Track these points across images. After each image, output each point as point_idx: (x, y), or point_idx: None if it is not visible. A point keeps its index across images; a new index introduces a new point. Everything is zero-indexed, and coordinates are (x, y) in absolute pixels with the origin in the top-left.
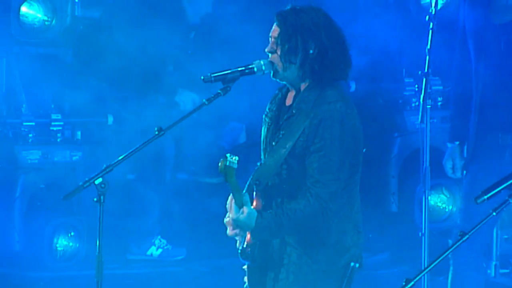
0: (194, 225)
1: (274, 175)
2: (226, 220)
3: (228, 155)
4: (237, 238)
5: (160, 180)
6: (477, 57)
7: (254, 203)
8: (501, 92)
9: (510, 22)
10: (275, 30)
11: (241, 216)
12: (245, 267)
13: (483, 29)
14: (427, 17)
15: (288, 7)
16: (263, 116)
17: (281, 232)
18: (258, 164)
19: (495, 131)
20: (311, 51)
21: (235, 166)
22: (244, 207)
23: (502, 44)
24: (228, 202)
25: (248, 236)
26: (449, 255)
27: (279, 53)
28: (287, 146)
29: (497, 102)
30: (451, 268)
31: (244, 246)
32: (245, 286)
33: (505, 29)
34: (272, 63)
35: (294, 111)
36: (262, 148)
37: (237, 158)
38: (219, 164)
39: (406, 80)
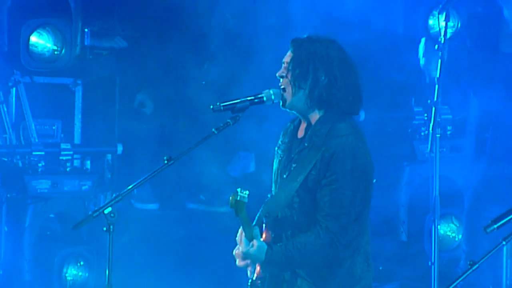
0: (206, 255)
1: (285, 208)
2: (235, 252)
3: (238, 189)
4: (247, 268)
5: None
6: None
7: (264, 236)
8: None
9: None
10: (288, 55)
11: (251, 250)
12: None
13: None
14: (436, 46)
15: (305, 36)
16: (276, 148)
17: (291, 265)
18: (269, 196)
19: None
20: (321, 79)
21: (246, 200)
22: (254, 241)
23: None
24: (238, 235)
25: (258, 268)
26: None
27: (289, 77)
28: (298, 179)
29: (505, 131)
30: None
31: (254, 278)
32: None
33: None
34: (281, 93)
35: (306, 144)
36: (273, 180)
37: (247, 192)
38: (230, 198)
39: (416, 109)
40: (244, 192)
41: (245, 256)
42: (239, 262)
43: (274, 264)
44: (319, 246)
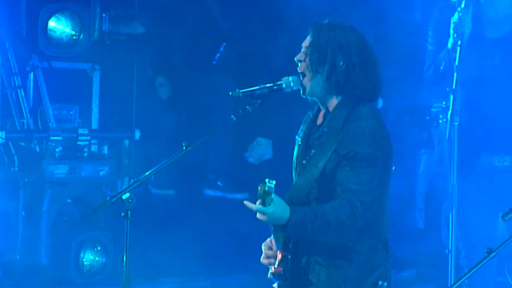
0: (222, 241)
1: (305, 196)
2: (262, 260)
3: (267, 180)
4: (269, 266)
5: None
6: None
7: None
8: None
9: (504, 36)
10: (307, 40)
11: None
12: (275, 285)
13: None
14: (455, 34)
15: (325, 21)
16: (296, 136)
17: (316, 224)
18: (293, 183)
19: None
20: (339, 64)
21: (273, 190)
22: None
23: (497, 60)
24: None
25: (280, 255)
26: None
27: (307, 61)
28: (319, 165)
29: (489, 121)
30: None
31: (276, 265)
32: None
33: (499, 44)
34: (300, 80)
35: (325, 130)
36: (293, 167)
37: (274, 182)
38: (258, 188)
39: (434, 98)
40: (272, 182)
41: (269, 216)
42: (263, 259)
43: (297, 224)
44: (338, 210)
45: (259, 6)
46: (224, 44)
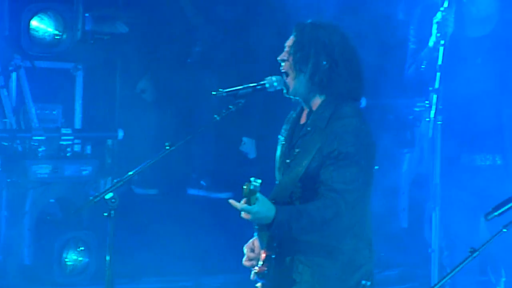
0: (206, 240)
1: (288, 195)
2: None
3: (252, 179)
4: (252, 268)
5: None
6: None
7: None
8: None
9: (486, 36)
10: (291, 39)
11: (262, 208)
12: (258, 285)
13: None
14: (438, 34)
15: (308, 21)
16: (279, 136)
17: (301, 224)
18: (276, 183)
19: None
20: (322, 64)
21: (258, 189)
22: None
23: (479, 59)
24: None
25: (263, 255)
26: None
27: (290, 61)
28: (303, 164)
29: (471, 120)
30: None
31: (260, 265)
32: None
33: (482, 42)
34: (283, 79)
35: (309, 129)
36: (276, 167)
37: (260, 181)
38: (244, 187)
39: (417, 96)
40: (257, 181)
41: (254, 215)
42: (245, 261)
43: (282, 224)
44: (323, 209)
45: (243, 5)
46: (199, 42)
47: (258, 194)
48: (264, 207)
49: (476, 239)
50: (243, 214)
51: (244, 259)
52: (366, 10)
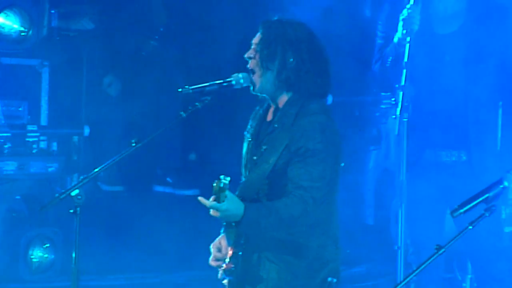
0: (172, 237)
1: (255, 192)
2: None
3: (221, 176)
4: (219, 269)
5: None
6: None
7: None
8: (442, 107)
9: (453, 33)
10: (257, 37)
11: (231, 207)
12: (225, 281)
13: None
14: (404, 30)
15: (275, 18)
16: (245, 132)
17: (269, 221)
18: (243, 180)
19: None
20: (289, 61)
21: (228, 186)
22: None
23: (447, 56)
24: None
25: (231, 251)
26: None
27: (257, 58)
28: (270, 161)
29: (437, 117)
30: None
31: (227, 262)
32: None
33: (450, 39)
34: (250, 76)
35: (276, 126)
36: (242, 164)
37: (229, 178)
38: (214, 185)
39: (382, 93)
40: (226, 179)
41: (223, 213)
42: (212, 257)
43: (251, 221)
44: (291, 207)
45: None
46: (156, 37)
47: (227, 192)
48: (233, 205)
49: (442, 236)
50: (212, 212)
51: (210, 258)
52: (334, 7)
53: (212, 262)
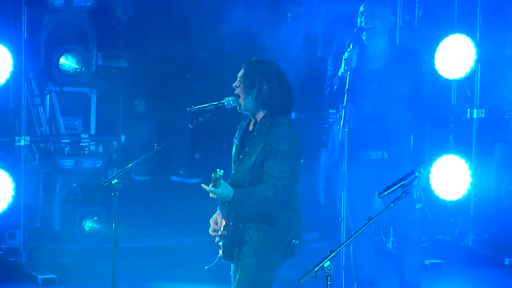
0: (183, 212)
1: (241, 180)
2: (210, 231)
3: (217, 169)
4: (215, 235)
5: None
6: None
7: None
8: (372, 119)
9: (381, 68)
10: (241, 72)
11: (224, 190)
12: (220, 243)
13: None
14: (346, 67)
15: (253, 58)
16: (233, 139)
17: (251, 201)
18: (232, 172)
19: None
20: (264, 88)
21: (222, 177)
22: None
23: (376, 84)
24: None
25: (224, 222)
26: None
27: (241, 87)
28: (251, 158)
29: (368, 127)
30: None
31: (222, 230)
32: (219, 255)
33: (378, 73)
34: (237, 99)
35: (255, 134)
36: (232, 161)
37: (223, 171)
38: (212, 175)
39: (330, 111)
40: (221, 171)
41: (218, 195)
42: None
43: (238, 201)
44: (267, 192)
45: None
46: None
47: (221, 180)
48: (226, 190)
49: (372, 210)
50: (211, 195)
51: (210, 229)
52: (292, 50)
53: (211, 231)
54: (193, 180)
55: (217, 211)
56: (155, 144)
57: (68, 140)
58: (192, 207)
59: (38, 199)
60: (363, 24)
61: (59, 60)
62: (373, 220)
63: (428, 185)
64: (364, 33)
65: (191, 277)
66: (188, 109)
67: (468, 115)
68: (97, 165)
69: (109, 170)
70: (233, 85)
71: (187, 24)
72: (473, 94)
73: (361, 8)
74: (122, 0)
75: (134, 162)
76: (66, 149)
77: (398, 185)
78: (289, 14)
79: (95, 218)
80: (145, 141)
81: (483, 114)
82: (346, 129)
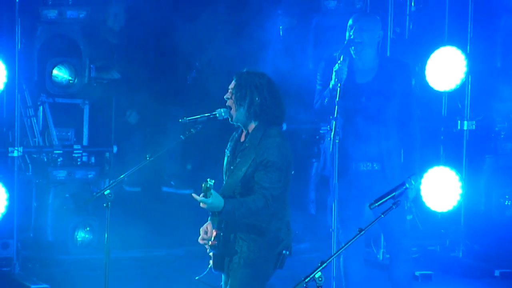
0: (174, 223)
1: (232, 190)
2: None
3: (208, 179)
4: (206, 246)
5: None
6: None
7: None
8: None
9: (369, 82)
10: (232, 83)
11: (215, 200)
12: (211, 254)
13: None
14: (336, 79)
15: (244, 70)
16: (225, 150)
17: (239, 212)
18: (224, 183)
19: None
20: (255, 100)
21: (212, 187)
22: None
23: (363, 98)
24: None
25: (214, 232)
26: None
27: (233, 99)
28: (242, 169)
29: (357, 139)
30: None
31: (212, 240)
32: (209, 266)
33: (366, 87)
34: (228, 111)
35: (247, 145)
36: (223, 172)
37: (213, 181)
38: (203, 185)
39: (321, 123)
40: (211, 181)
41: (209, 205)
42: (200, 239)
43: (229, 211)
44: (257, 203)
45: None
46: (195, 70)
47: (212, 190)
48: (216, 200)
49: (362, 222)
50: (201, 205)
51: (199, 238)
52: (284, 63)
53: (200, 240)
54: (185, 191)
55: (208, 221)
56: (147, 155)
57: (60, 151)
58: (183, 218)
59: (31, 209)
60: (352, 37)
61: (52, 71)
62: (363, 231)
63: (418, 197)
64: (353, 47)
65: (182, 287)
66: (180, 120)
67: (459, 127)
68: (90, 175)
69: (101, 181)
70: (224, 96)
71: (179, 36)
72: (464, 106)
73: (350, 22)
74: (115, 12)
75: (126, 173)
76: (59, 160)
77: (389, 196)
78: (281, 27)
79: (88, 229)
80: (137, 152)
81: (474, 126)
82: (337, 141)
